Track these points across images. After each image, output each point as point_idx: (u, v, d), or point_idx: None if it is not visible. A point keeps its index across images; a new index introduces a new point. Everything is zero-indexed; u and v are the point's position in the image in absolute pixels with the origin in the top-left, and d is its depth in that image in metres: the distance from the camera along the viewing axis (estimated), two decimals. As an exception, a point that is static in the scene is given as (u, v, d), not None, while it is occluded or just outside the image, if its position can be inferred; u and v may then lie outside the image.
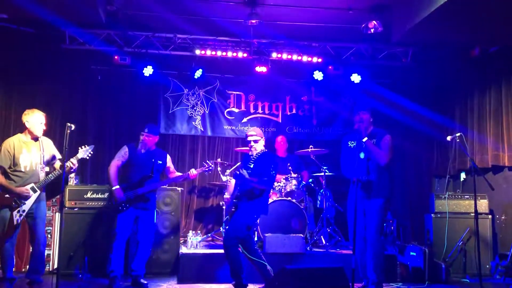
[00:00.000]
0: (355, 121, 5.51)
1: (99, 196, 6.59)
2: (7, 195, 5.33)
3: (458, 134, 5.80)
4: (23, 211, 5.36)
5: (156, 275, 6.39)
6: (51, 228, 6.67)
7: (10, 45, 7.37)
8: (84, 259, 6.25)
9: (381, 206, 5.37)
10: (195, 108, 8.71)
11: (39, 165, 5.52)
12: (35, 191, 5.42)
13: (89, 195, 6.58)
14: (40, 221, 5.53)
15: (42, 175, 5.52)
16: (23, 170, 5.41)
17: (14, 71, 7.51)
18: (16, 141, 5.45)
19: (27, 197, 5.37)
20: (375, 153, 5.34)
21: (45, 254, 5.77)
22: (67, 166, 5.29)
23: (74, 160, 5.38)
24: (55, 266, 6.44)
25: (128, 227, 5.78)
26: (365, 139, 5.30)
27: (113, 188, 5.72)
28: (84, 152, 5.48)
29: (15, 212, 5.33)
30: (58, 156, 5.68)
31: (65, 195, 6.47)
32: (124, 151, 5.92)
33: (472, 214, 6.57)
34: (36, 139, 5.53)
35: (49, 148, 5.67)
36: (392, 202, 8.37)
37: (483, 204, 6.95)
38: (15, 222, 5.33)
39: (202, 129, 8.72)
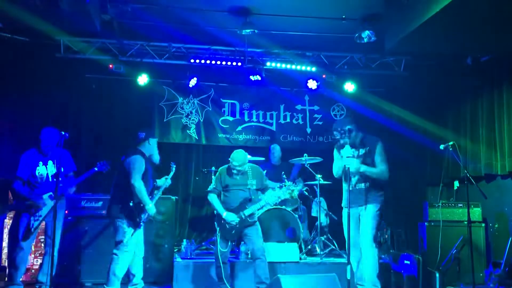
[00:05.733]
0: (339, 137, 5.46)
1: (94, 205, 6.57)
2: (26, 202, 5.63)
3: (451, 143, 5.82)
4: (40, 216, 5.62)
5: (150, 284, 6.37)
6: (44, 237, 6.63)
7: (4, 54, 7.37)
8: (79, 269, 6.23)
9: (376, 213, 5.36)
10: (189, 116, 8.72)
11: (56, 177, 5.58)
12: (52, 199, 5.62)
13: (83, 203, 6.56)
14: (55, 228, 5.56)
15: (60, 186, 5.63)
16: (39, 181, 5.71)
17: (8, 80, 7.51)
18: (33, 154, 5.75)
19: (43, 204, 5.64)
20: (376, 175, 5.33)
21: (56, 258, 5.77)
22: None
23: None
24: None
25: None
26: (362, 169, 5.26)
27: (151, 204, 5.49)
28: (99, 166, 5.95)
29: (32, 218, 5.59)
30: (74, 168, 5.98)
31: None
32: (143, 164, 5.50)
33: (465, 223, 6.58)
34: (47, 154, 5.78)
35: (65, 160, 5.88)
36: (385, 210, 8.39)
37: (476, 213, 6.97)
38: (31, 226, 5.59)
39: (196, 137, 8.73)
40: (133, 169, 5.38)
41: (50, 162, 5.79)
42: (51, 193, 5.66)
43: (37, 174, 5.72)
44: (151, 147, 5.70)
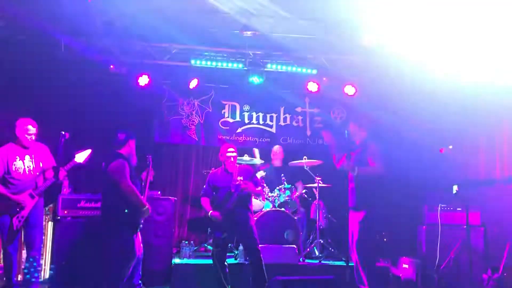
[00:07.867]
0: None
1: (93, 205, 6.54)
2: (6, 202, 5.41)
3: (450, 146, 5.83)
4: (22, 217, 5.45)
5: (148, 285, 6.35)
6: (43, 237, 6.63)
7: (4, 53, 7.36)
8: (76, 269, 6.22)
9: (362, 217, 5.38)
10: (190, 117, 8.74)
11: (35, 172, 5.59)
12: (32, 197, 5.50)
13: (82, 204, 6.53)
14: (36, 228, 5.60)
15: (39, 182, 5.60)
16: (16, 177, 5.49)
17: (8, 79, 7.50)
18: (9, 149, 5.53)
19: (25, 204, 5.45)
20: (370, 174, 5.34)
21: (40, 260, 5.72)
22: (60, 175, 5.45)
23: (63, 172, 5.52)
24: (47, 276, 6.41)
25: None
26: (356, 172, 5.28)
27: (147, 206, 5.28)
28: (80, 157, 5.59)
29: (14, 218, 5.42)
30: (53, 163, 5.72)
31: (58, 203, 6.43)
32: (127, 167, 5.24)
33: (464, 226, 6.59)
34: (26, 147, 5.58)
35: (44, 155, 5.71)
36: (384, 213, 8.39)
37: (475, 216, 6.97)
38: (14, 228, 5.43)
39: (196, 138, 8.75)
40: (121, 175, 5.09)
41: (27, 157, 5.56)
42: (31, 192, 5.50)
43: (13, 169, 5.46)
44: (131, 149, 5.43)
